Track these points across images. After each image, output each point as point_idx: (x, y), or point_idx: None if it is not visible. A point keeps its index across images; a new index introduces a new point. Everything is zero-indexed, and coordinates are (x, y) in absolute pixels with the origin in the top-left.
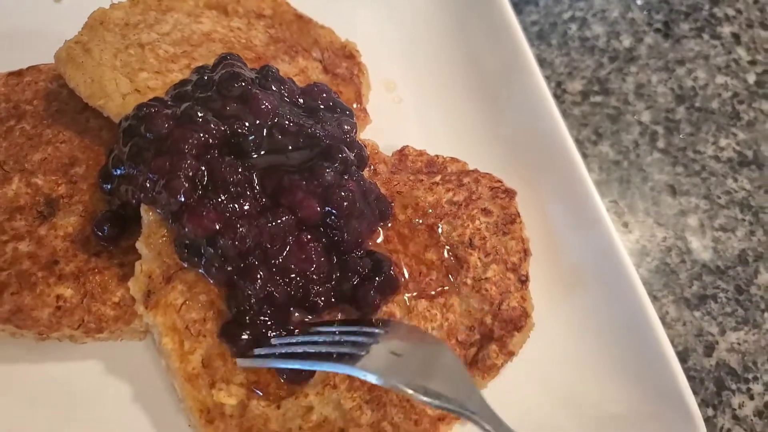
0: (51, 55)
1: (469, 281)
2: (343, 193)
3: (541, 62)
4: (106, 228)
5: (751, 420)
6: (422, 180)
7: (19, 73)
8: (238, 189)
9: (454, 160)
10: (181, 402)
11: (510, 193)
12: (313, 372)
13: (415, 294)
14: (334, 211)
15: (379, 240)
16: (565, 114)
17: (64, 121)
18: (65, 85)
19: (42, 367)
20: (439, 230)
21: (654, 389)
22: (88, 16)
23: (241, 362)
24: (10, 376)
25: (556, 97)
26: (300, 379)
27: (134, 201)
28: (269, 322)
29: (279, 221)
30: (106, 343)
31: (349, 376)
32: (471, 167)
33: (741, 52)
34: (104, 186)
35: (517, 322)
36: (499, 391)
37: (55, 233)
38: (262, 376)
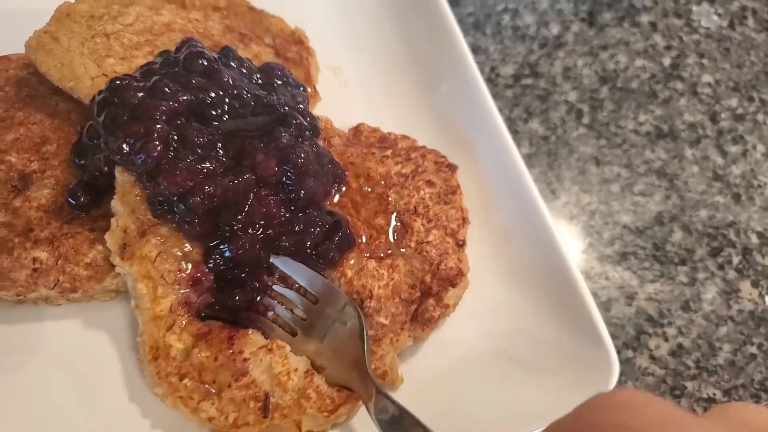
0: (20, 47)
1: (412, 244)
2: (297, 153)
3: (477, 50)
4: (79, 194)
5: (666, 359)
6: (374, 153)
7: None
8: (205, 151)
9: (405, 137)
10: (138, 336)
11: (452, 168)
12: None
13: (366, 255)
14: (290, 171)
15: (336, 202)
16: (499, 96)
17: (34, 104)
18: (35, 72)
19: (19, 328)
20: (389, 199)
21: (576, 331)
22: (55, 9)
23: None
24: None
25: (490, 80)
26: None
27: (107, 168)
28: (243, 275)
29: (241, 180)
30: (80, 304)
31: (288, 344)
32: (419, 144)
33: (657, 38)
34: (77, 160)
35: (453, 280)
36: (442, 341)
37: (30, 204)
38: (213, 333)
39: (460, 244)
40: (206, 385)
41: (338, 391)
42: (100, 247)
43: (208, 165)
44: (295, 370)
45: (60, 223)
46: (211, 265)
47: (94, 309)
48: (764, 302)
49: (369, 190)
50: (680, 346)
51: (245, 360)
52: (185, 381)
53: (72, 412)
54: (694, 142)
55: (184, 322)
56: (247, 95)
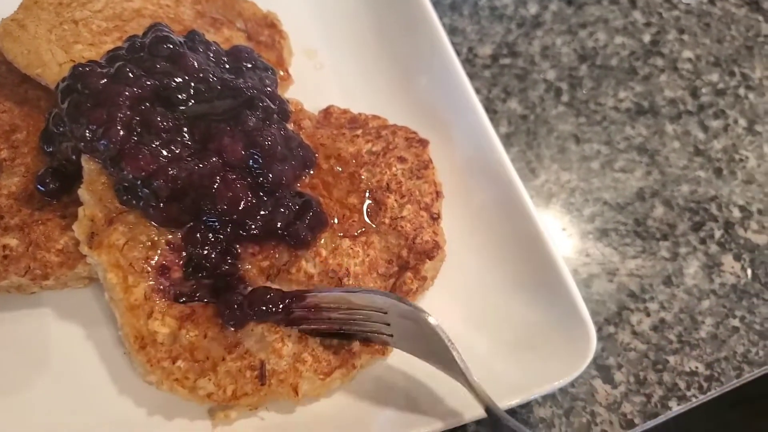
0: None
1: (387, 221)
2: (264, 136)
3: (454, 30)
4: (48, 181)
5: (648, 334)
6: (344, 134)
7: None
8: (170, 136)
9: (375, 117)
10: (119, 330)
11: (423, 143)
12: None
13: (340, 234)
14: (257, 154)
15: (306, 185)
16: (477, 76)
17: (3, 93)
18: (4, 60)
19: None
20: (361, 177)
21: (554, 307)
22: None
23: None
24: None
25: (468, 61)
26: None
27: (74, 156)
28: (213, 257)
29: (207, 163)
30: (53, 292)
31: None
32: (390, 123)
33: (637, 15)
34: (45, 147)
35: (430, 253)
36: None
37: (0, 192)
38: (197, 312)
39: (435, 218)
40: (200, 363)
41: (333, 354)
42: (71, 234)
43: (173, 149)
44: (289, 336)
45: (31, 210)
46: (182, 250)
47: (69, 296)
48: (746, 275)
49: (340, 170)
50: (662, 320)
51: (236, 332)
52: (178, 363)
53: (57, 406)
54: (674, 118)
55: (164, 307)
56: (213, 79)
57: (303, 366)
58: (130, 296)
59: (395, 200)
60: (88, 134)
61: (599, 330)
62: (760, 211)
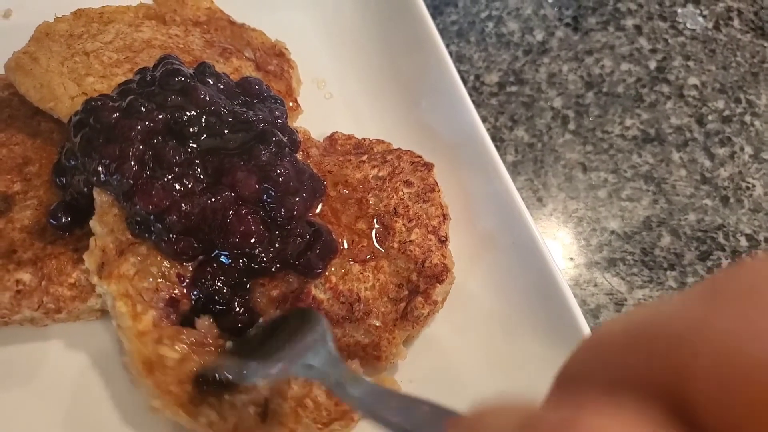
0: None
1: (395, 245)
2: (278, 171)
3: (461, 58)
4: (60, 215)
5: None
6: (350, 160)
7: None
8: (182, 169)
9: (379, 141)
10: (124, 356)
11: (428, 166)
12: None
13: (350, 260)
14: (270, 188)
15: (315, 214)
16: (483, 104)
17: (16, 125)
18: (16, 93)
19: (4, 350)
20: (368, 203)
21: (560, 338)
22: (35, 29)
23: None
24: None
25: (475, 89)
26: None
27: (86, 189)
28: (225, 292)
29: (219, 198)
30: (66, 324)
31: None
32: (395, 147)
33: (643, 41)
34: (58, 180)
35: (439, 276)
36: (427, 341)
37: (12, 226)
38: (207, 338)
39: (443, 240)
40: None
41: (336, 405)
42: (83, 267)
43: (186, 183)
44: (296, 378)
45: (43, 244)
46: (192, 284)
47: (81, 329)
48: None
49: (348, 196)
50: None
51: None
52: (186, 386)
53: None
54: (681, 146)
55: (173, 333)
56: (224, 112)
57: (304, 412)
58: (139, 323)
59: (403, 224)
60: (101, 169)
61: None
62: (767, 240)
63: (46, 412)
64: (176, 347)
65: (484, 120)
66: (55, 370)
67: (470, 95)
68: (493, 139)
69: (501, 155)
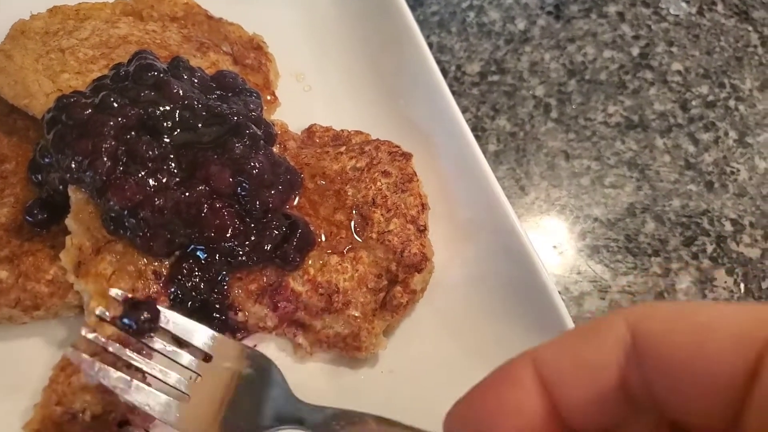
0: None
1: (374, 235)
2: (252, 164)
3: (442, 48)
4: (36, 212)
5: None
6: (328, 152)
7: None
8: (156, 164)
9: (358, 132)
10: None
11: (407, 156)
12: None
13: (328, 251)
14: (245, 182)
15: (293, 206)
16: (465, 93)
17: None
18: None
19: None
20: (346, 194)
21: (541, 326)
22: (10, 27)
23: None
24: None
25: (456, 79)
26: None
27: (62, 186)
28: (201, 287)
29: (194, 192)
30: (45, 321)
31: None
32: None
33: (625, 28)
34: (34, 177)
35: (418, 265)
36: (407, 331)
37: None
38: None
39: (422, 230)
40: None
41: None
42: (60, 264)
43: (159, 178)
44: None
45: (20, 241)
46: (169, 280)
47: (60, 325)
48: (740, 290)
49: (326, 188)
50: None
51: None
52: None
53: None
54: (665, 132)
55: None
56: (198, 106)
57: None
58: None
59: (381, 214)
60: (74, 165)
61: None
62: (752, 224)
63: (25, 409)
64: None
65: (465, 110)
66: (34, 367)
67: (451, 85)
68: (475, 128)
69: (483, 145)
